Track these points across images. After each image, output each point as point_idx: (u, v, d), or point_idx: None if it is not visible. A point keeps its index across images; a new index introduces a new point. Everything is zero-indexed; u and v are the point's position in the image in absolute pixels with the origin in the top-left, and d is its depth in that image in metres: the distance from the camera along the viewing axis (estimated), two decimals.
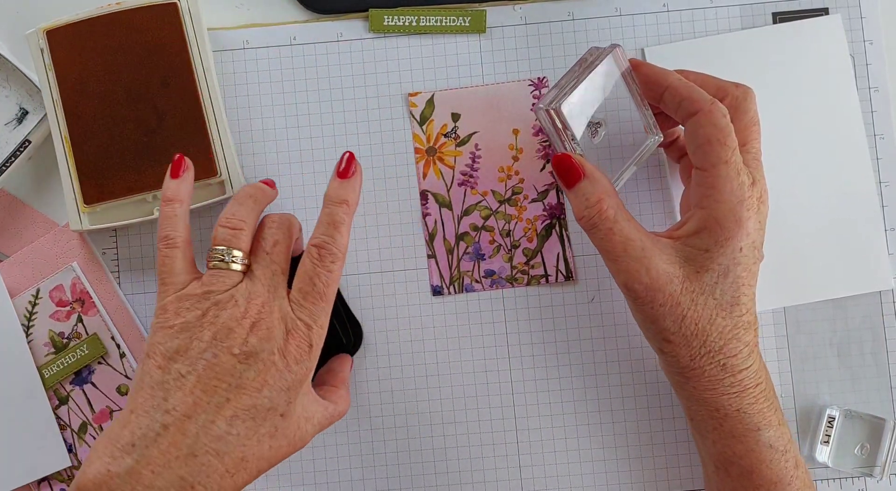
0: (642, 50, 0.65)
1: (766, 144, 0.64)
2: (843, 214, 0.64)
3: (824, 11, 0.65)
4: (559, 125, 0.56)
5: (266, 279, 0.54)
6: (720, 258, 0.53)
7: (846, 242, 0.64)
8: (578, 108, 0.57)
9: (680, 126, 0.59)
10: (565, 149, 0.56)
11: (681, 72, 0.58)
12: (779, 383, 0.64)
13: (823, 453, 0.63)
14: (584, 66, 0.57)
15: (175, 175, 0.56)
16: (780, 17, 0.65)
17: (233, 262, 0.54)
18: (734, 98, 0.56)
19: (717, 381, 0.54)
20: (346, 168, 0.56)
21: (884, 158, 0.65)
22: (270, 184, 0.60)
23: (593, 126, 0.58)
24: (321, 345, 0.54)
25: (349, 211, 0.55)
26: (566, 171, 0.55)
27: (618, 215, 0.54)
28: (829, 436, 0.63)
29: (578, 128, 0.57)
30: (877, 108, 0.65)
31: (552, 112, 0.55)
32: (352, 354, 0.63)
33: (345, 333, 0.63)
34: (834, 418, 0.63)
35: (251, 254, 0.55)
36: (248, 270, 0.54)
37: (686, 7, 0.65)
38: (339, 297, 0.63)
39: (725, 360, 0.54)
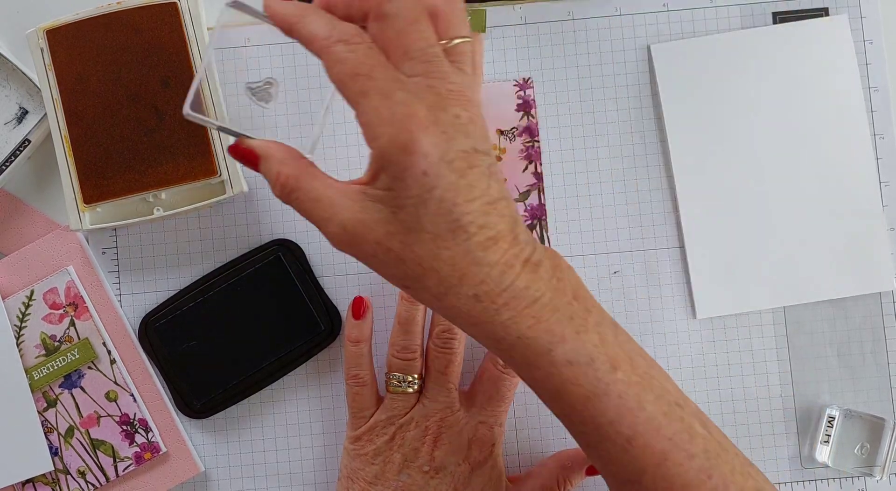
0: (648, 47, 0.65)
1: (768, 143, 0.64)
2: (843, 215, 0.64)
3: (824, 11, 0.65)
4: (205, 123, 0.53)
5: (442, 397, 0.59)
6: (406, 192, 0.46)
7: (847, 242, 0.64)
8: (218, 93, 0.53)
9: None
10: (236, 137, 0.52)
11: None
12: (779, 383, 0.64)
13: (823, 453, 0.63)
14: (207, 49, 0.53)
15: (357, 316, 0.61)
16: (780, 17, 0.65)
17: (409, 386, 0.59)
18: (375, 6, 0.47)
19: (479, 312, 0.47)
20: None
21: (884, 158, 0.65)
22: None
23: (259, 91, 0.55)
24: (502, 441, 0.60)
25: None
26: (244, 160, 0.51)
27: (300, 182, 0.49)
28: (829, 436, 0.63)
29: (231, 109, 0.53)
30: (877, 108, 0.65)
31: (190, 118, 0.52)
32: (329, 340, 0.63)
33: (323, 320, 0.63)
34: (834, 418, 0.63)
35: (426, 370, 0.60)
36: (423, 388, 0.60)
37: (686, 7, 0.65)
38: (316, 283, 0.64)
39: (473, 290, 0.47)
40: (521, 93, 0.65)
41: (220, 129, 0.53)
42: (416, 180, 0.45)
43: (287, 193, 0.49)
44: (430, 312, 0.62)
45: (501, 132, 0.65)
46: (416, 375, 0.59)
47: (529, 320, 0.47)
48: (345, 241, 0.48)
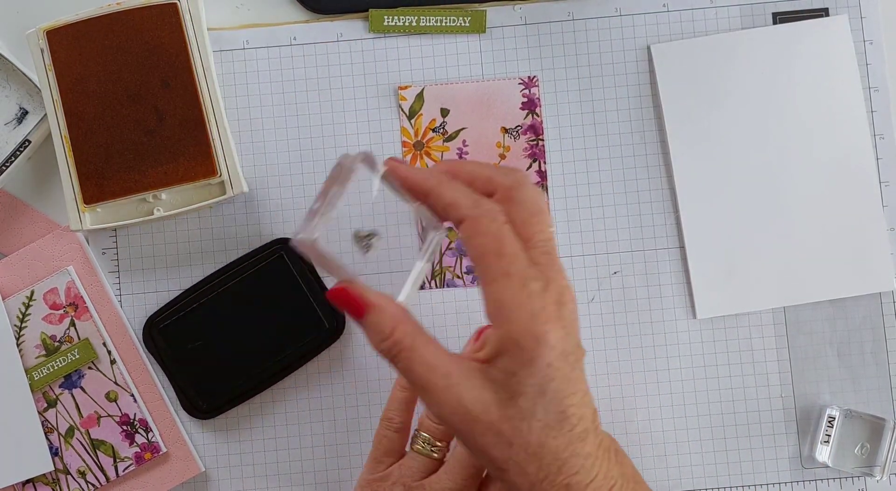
0: (648, 48, 0.65)
1: (768, 143, 0.64)
2: (843, 215, 0.64)
3: (824, 12, 0.65)
4: (320, 258, 0.49)
5: (461, 478, 0.56)
6: (530, 379, 0.46)
7: (847, 242, 0.64)
8: (337, 231, 0.51)
9: None
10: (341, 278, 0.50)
11: (449, 164, 0.51)
12: (779, 383, 0.64)
13: (823, 453, 0.63)
14: (335, 182, 0.49)
15: None
16: (780, 17, 0.65)
17: (435, 451, 0.57)
18: (505, 189, 0.48)
19: None
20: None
21: (884, 158, 0.65)
22: None
23: (363, 240, 0.53)
24: None
25: None
26: (347, 307, 0.49)
27: (415, 342, 0.48)
28: (829, 436, 0.63)
29: (346, 252, 0.53)
30: (877, 108, 0.65)
31: (307, 245, 0.48)
32: (332, 339, 0.63)
33: (327, 318, 0.63)
34: (834, 418, 0.63)
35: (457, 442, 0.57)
36: (446, 454, 0.57)
37: (686, 7, 0.65)
38: (319, 282, 0.63)
39: (567, 479, 0.48)
40: (527, 91, 0.65)
41: (336, 269, 0.49)
42: (540, 370, 0.46)
43: (397, 351, 0.48)
44: None
45: (506, 130, 0.65)
46: (443, 443, 0.57)
47: None
48: (459, 414, 0.47)
